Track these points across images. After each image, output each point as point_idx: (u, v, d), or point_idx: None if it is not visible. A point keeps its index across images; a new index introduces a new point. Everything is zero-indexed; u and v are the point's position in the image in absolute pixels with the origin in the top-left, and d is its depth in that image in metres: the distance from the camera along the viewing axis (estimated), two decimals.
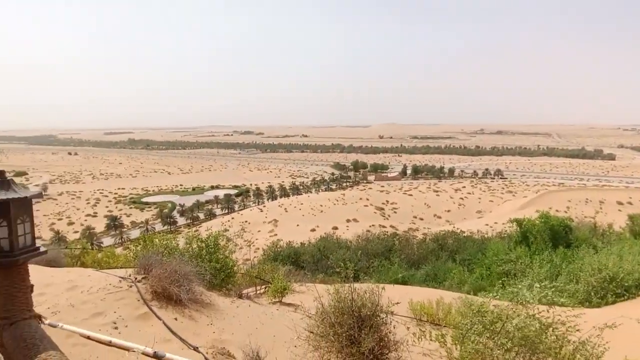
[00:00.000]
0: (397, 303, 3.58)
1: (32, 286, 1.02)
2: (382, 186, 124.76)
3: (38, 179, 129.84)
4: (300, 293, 6.06)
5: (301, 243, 16.95)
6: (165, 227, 77.08)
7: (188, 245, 5.60)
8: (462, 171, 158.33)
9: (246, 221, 74.55)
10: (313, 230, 67.01)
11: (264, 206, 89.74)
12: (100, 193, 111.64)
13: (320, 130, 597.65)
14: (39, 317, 1.53)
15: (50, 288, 3.26)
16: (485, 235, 18.16)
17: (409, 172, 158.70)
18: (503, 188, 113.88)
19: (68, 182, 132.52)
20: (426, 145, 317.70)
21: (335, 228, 67.86)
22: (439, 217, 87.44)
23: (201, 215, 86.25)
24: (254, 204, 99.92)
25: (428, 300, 5.37)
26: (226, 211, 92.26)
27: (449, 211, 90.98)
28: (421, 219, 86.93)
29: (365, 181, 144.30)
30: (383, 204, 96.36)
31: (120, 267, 4.42)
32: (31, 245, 1.04)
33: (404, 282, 11.27)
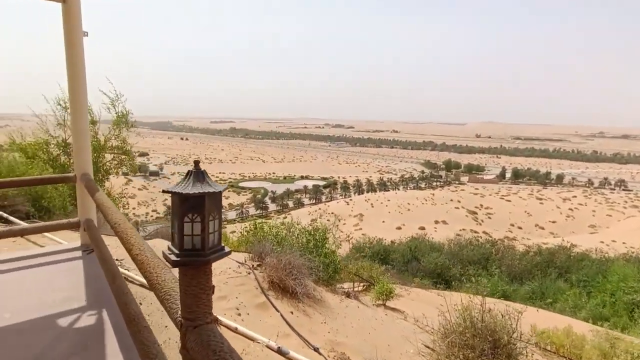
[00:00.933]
0: (541, 332, 3.16)
1: (213, 287, 1.02)
2: (477, 189, 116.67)
3: (156, 160, 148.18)
4: (399, 297, 5.85)
5: (391, 241, 16.58)
6: (258, 211, 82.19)
7: (290, 235, 5.75)
8: (573, 179, 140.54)
9: (332, 213, 75.79)
10: (399, 228, 65.61)
11: (351, 199, 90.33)
12: None
13: (411, 127, 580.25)
14: (216, 321, 1.63)
15: None
16: (606, 255, 15.79)
17: (508, 175, 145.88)
18: (626, 202, 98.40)
19: (179, 164, 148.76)
20: (530, 147, 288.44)
21: (422, 228, 65.52)
22: (542, 228, 79.01)
23: (290, 204, 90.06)
24: (340, 197, 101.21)
25: (554, 327, 4.75)
26: (314, 201, 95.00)
27: (554, 222, 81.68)
28: (520, 228, 79.51)
29: (457, 182, 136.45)
30: (476, 207, 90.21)
31: (232, 250, 4.70)
32: (218, 244, 1.03)
33: (504, 297, 10.34)
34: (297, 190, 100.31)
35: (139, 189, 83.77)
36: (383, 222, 70.47)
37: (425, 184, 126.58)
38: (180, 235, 0.96)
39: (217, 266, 3.72)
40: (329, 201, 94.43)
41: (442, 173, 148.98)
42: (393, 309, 4.45)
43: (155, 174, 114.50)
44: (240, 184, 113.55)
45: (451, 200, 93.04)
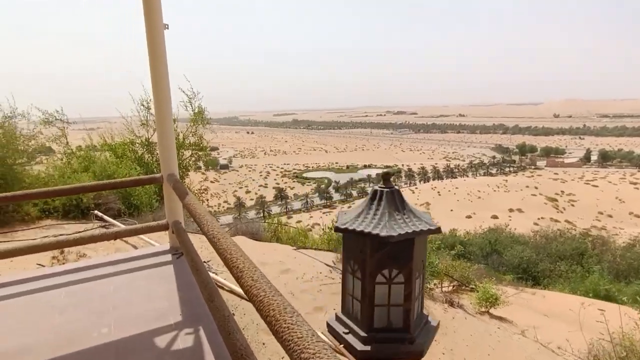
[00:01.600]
0: None
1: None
2: (556, 173, 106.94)
3: (225, 154, 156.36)
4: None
5: (466, 231, 15.62)
6: (322, 201, 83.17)
7: None
8: None
9: None
10: (469, 217, 62.43)
11: (416, 188, 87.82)
12: (270, 167, 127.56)
13: (479, 109, 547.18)
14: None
15: (266, 268, 3.46)
16: None
17: (594, 158, 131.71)
18: None
19: (246, 157, 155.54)
20: (621, 125, 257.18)
21: (495, 217, 61.62)
22: (637, 216, 70.42)
23: (354, 193, 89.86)
24: (405, 185, 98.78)
25: None
26: None
27: None
28: (609, 216, 71.69)
29: (533, 167, 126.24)
30: (557, 194, 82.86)
31: (315, 248, 4.54)
32: (421, 311, 0.75)
33: (607, 298, 9.14)
34: (360, 180, 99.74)
35: (211, 182, 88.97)
36: (451, 210, 67.62)
37: (497, 170, 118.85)
38: (369, 305, 0.59)
39: (305, 270, 3.55)
40: None
41: (516, 157, 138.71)
42: (499, 318, 3.96)
43: (225, 167, 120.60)
44: (304, 174, 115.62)
45: (527, 186, 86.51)
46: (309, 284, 3.23)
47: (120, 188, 4.38)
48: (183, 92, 6.30)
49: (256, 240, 4.32)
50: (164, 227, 2.47)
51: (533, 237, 14.38)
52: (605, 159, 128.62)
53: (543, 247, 12.87)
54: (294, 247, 4.23)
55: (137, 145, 7.10)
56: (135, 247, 3.32)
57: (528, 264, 11.55)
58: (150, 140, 6.99)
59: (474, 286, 4.88)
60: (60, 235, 3.57)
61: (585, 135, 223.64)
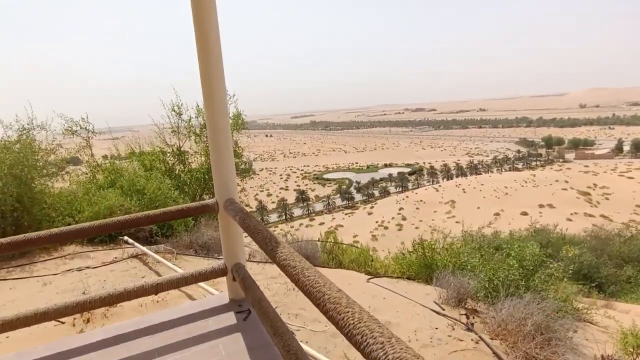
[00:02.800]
0: None
1: None
2: (586, 166, 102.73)
3: (245, 158, 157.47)
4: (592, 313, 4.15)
5: (510, 232, 14.57)
6: (344, 202, 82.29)
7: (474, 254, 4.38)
8: None
9: (421, 200, 72.75)
10: (497, 214, 60.42)
11: (440, 186, 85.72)
12: (290, 169, 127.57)
13: (501, 103, 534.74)
14: None
15: None
16: None
17: (626, 148, 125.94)
18: None
19: (266, 160, 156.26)
20: None
21: (525, 213, 59.44)
22: None
23: (376, 193, 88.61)
24: (428, 183, 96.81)
25: None
26: (400, 189, 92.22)
27: None
28: None
29: (561, 160, 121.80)
30: (589, 187, 79.44)
31: (389, 275, 3.73)
32: None
33: None
34: (381, 179, 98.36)
35: None
36: (478, 208, 65.65)
37: (523, 164, 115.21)
38: None
39: (408, 321, 2.60)
40: (415, 188, 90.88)
41: (542, 151, 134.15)
42: None
43: (245, 171, 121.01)
44: (325, 176, 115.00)
45: (556, 180, 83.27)
46: (430, 352, 2.26)
47: (165, 222, 3.75)
48: None
49: (313, 265, 3.60)
50: (222, 272, 1.80)
51: (586, 237, 13.23)
52: (639, 149, 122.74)
53: (601, 249, 11.77)
54: (368, 277, 3.42)
55: (168, 154, 6.54)
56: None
57: (589, 269, 10.48)
58: (181, 148, 6.41)
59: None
60: (86, 268, 2.95)
61: (615, 125, 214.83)
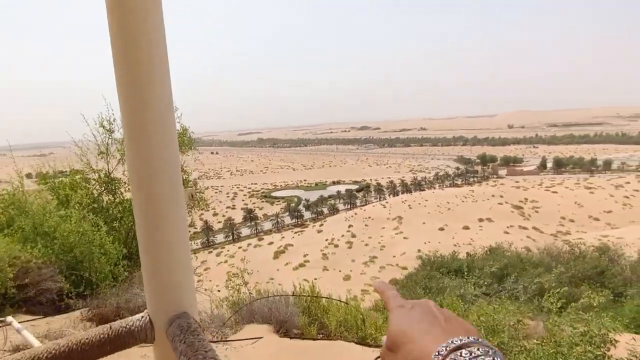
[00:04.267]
0: None
1: None
2: (517, 182, 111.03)
3: (191, 175, 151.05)
4: None
5: (467, 253, 14.50)
6: (293, 220, 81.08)
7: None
8: (622, 163, 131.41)
9: (369, 217, 73.65)
10: (441, 229, 62.59)
11: (387, 202, 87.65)
12: (237, 187, 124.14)
13: (438, 122, 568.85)
14: None
15: None
16: None
17: (549, 165, 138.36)
18: None
19: (212, 178, 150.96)
20: (569, 133, 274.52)
21: (467, 228, 62.28)
22: (596, 219, 73.69)
23: (325, 210, 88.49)
24: (375, 200, 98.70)
25: None
26: (348, 206, 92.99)
27: (609, 212, 76.06)
28: (572, 221, 74.58)
29: (495, 176, 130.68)
30: (521, 201, 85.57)
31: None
32: None
33: None
34: (330, 196, 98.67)
35: None
36: (424, 223, 67.69)
37: (462, 181, 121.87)
38: None
39: None
40: (364, 205, 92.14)
41: (478, 168, 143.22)
42: None
43: (191, 182, 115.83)
44: (273, 194, 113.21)
45: (493, 195, 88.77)
46: None
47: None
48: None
49: (288, 336, 2.64)
50: None
51: (539, 254, 13.44)
52: (560, 166, 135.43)
53: (555, 267, 11.89)
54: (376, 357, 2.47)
55: (93, 182, 5.15)
56: None
57: (549, 291, 10.38)
58: (111, 174, 5.03)
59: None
60: None
61: (539, 144, 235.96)
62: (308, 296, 3.01)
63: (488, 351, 0.38)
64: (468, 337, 0.41)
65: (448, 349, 0.39)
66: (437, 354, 0.40)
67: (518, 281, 10.93)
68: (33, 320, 2.61)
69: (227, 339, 2.66)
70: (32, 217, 3.49)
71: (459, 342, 0.40)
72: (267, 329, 2.69)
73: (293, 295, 3.14)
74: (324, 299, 3.06)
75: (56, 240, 3.22)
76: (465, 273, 12.54)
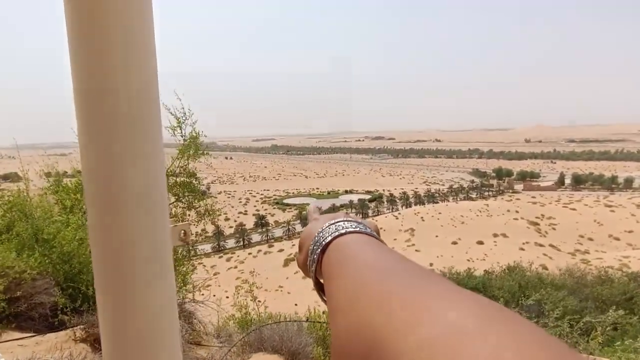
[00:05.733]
0: None
1: None
2: (533, 197, 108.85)
3: (204, 180, 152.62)
4: None
5: (485, 271, 13.98)
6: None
7: None
8: None
9: (381, 228, 70.30)
10: (454, 243, 61.50)
11: (399, 213, 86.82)
12: (250, 193, 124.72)
13: (454, 135, 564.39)
14: None
15: None
16: None
17: (567, 181, 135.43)
18: None
19: (225, 183, 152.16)
20: (589, 149, 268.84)
21: (481, 243, 61.08)
22: (617, 239, 71.49)
23: None
24: (387, 211, 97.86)
25: None
26: (360, 216, 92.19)
27: (630, 232, 73.73)
28: (590, 239, 72.55)
29: (511, 191, 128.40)
30: (537, 217, 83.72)
31: None
32: None
33: None
34: (342, 205, 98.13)
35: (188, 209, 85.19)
36: (436, 236, 66.66)
37: (477, 194, 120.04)
38: None
39: None
40: (376, 215, 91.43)
41: (494, 182, 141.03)
42: None
43: (203, 193, 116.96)
44: (285, 201, 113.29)
45: (508, 210, 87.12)
46: None
47: None
48: (170, 111, 4.00)
49: None
50: None
51: (561, 276, 12.82)
52: (578, 182, 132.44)
53: (580, 291, 11.29)
54: None
55: None
56: None
57: (572, 314, 9.81)
58: None
59: None
60: None
61: (557, 160, 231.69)
62: (325, 323, 2.72)
63: (357, 224, 0.49)
64: (344, 217, 0.52)
65: (326, 224, 0.49)
66: (320, 230, 0.49)
67: (541, 305, 10.37)
68: (22, 338, 2.38)
69: None
70: (33, 223, 3.28)
71: (333, 221, 0.50)
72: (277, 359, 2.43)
73: (307, 321, 2.84)
74: None
75: (55, 249, 2.99)
76: (481, 291, 12.01)
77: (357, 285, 0.34)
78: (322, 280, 0.46)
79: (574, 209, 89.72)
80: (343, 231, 0.46)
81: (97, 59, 0.57)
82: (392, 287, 0.30)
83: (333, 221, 0.50)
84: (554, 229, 77.35)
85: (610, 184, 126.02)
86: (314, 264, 0.48)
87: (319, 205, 0.68)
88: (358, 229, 0.47)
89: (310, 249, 0.49)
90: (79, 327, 2.60)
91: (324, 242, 0.47)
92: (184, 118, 3.88)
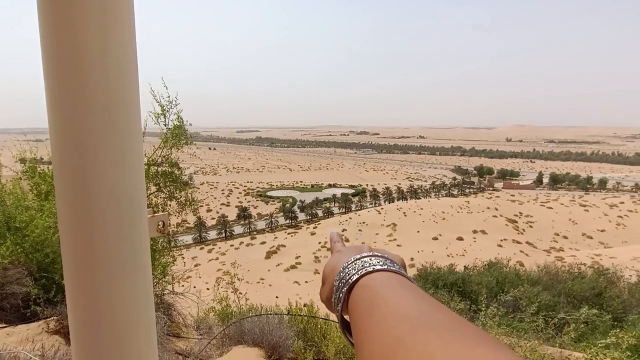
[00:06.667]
0: None
1: None
2: (512, 195, 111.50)
3: (186, 170, 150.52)
4: None
5: (465, 267, 14.25)
6: (287, 221, 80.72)
7: None
8: (618, 183, 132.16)
9: (364, 222, 73.45)
10: (435, 238, 62.48)
11: (382, 208, 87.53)
12: (233, 185, 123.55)
13: (438, 132, 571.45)
14: None
15: None
16: None
17: (545, 180, 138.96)
18: None
19: (208, 174, 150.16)
20: (566, 150, 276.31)
21: (460, 239, 62.24)
22: (589, 237, 73.95)
23: (319, 213, 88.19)
24: (370, 205, 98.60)
25: None
26: (343, 210, 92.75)
27: (602, 231, 76.39)
28: (565, 237, 74.84)
29: (491, 188, 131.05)
30: (515, 215, 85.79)
31: None
32: None
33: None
34: (325, 199, 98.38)
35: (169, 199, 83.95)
36: (418, 232, 67.59)
37: (458, 191, 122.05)
38: None
39: None
40: (359, 210, 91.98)
41: (475, 179, 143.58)
42: None
43: (184, 183, 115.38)
44: (268, 193, 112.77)
45: (488, 208, 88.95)
46: None
47: None
48: (155, 98, 3.72)
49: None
50: None
51: (538, 272, 13.18)
52: (556, 182, 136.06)
53: (553, 287, 11.65)
54: None
55: None
56: None
57: (547, 311, 10.13)
58: None
59: None
60: None
61: (536, 159, 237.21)
62: (305, 316, 2.71)
63: (384, 260, 0.47)
64: (370, 252, 0.50)
65: (352, 259, 0.47)
66: (345, 265, 0.48)
67: (517, 301, 10.66)
68: None
69: None
70: (4, 210, 3.15)
71: (359, 255, 0.48)
72: (258, 353, 2.37)
73: (288, 314, 2.82)
74: (321, 319, 2.75)
75: (27, 237, 2.88)
76: (460, 286, 12.29)
77: (393, 340, 0.32)
78: (347, 318, 0.45)
79: (550, 208, 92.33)
80: (370, 269, 0.45)
81: (71, 45, 0.54)
82: (432, 349, 0.29)
83: (359, 256, 0.48)
84: (531, 226, 79.43)
85: (585, 185, 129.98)
86: (340, 302, 0.46)
87: (341, 231, 0.62)
88: (386, 266, 0.45)
89: (336, 286, 0.47)
90: (52, 318, 2.52)
91: (350, 280, 0.45)
92: (168, 106, 3.77)
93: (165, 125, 3.87)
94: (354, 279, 0.44)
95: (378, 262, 0.45)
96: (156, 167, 4.11)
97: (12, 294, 2.59)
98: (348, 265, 0.47)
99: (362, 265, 0.45)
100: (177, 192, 4.27)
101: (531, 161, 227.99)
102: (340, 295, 0.45)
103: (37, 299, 2.65)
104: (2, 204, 3.23)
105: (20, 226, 3.01)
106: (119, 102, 0.58)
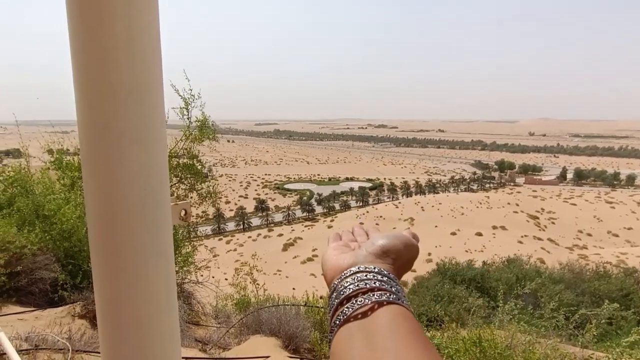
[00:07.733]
0: None
1: None
2: (534, 191, 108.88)
3: (206, 163, 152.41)
4: None
5: (483, 262, 14.06)
6: (304, 214, 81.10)
7: None
8: None
9: (381, 216, 73.11)
10: (453, 233, 61.69)
11: (399, 202, 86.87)
12: (251, 177, 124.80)
13: (458, 125, 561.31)
14: None
15: None
16: None
17: (569, 176, 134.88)
18: None
19: (227, 166, 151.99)
20: (592, 145, 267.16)
21: (480, 234, 61.25)
22: (615, 235, 71.65)
23: (337, 206, 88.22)
24: (388, 199, 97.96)
25: None
26: (360, 204, 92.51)
27: (630, 229, 73.88)
28: (589, 235, 72.69)
29: (512, 184, 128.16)
30: (537, 212, 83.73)
31: None
32: None
33: None
34: (342, 192, 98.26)
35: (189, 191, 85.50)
36: (436, 226, 66.83)
37: (478, 186, 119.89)
38: None
39: None
40: (376, 204, 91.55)
41: (496, 174, 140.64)
42: None
43: (205, 176, 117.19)
44: (286, 186, 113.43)
45: (508, 203, 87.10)
46: None
47: None
48: (178, 93, 3.81)
49: (298, 354, 2.35)
50: None
51: (560, 270, 12.87)
52: (581, 177, 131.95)
53: (577, 285, 11.37)
54: None
55: None
56: None
57: (568, 309, 9.88)
58: None
59: None
60: None
61: (560, 154, 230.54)
62: (322, 308, 2.73)
63: (379, 279, 0.43)
64: (374, 268, 0.45)
65: (349, 273, 0.45)
66: (339, 279, 0.45)
67: (537, 296, 10.44)
68: (22, 312, 2.40)
69: (229, 358, 2.39)
70: (33, 199, 3.28)
71: (357, 268, 0.45)
72: (275, 343, 2.41)
73: (305, 305, 2.85)
74: None
75: (55, 225, 3.00)
76: (479, 282, 12.13)
77: None
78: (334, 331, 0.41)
79: (574, 204, 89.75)
80: (365, 287, 0.41)
81: (98, 38, 0.56)
82: None
83: (355, 269, 0.45)
84: (553, 223, 77.46)
85: (612, 181, 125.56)
86: (331, 311, 0.44)
87: (337, 234, 0.61)
88: (385, 297, 0.40)
89: (329, 304, 0.45)
90: (78, 303, 2.62)
91: (340, 318, 0.41)
92: (191, 100, 3.81)
93: (188, 118, 3.93)
94: (347, 315, 0.40)
95: (375, 284, 0.42)
96: (177, 159, 4.18)
97: (41, 279, 2.70)
98: (342, 278, 0.45)
99: (358, 285, 0.42)
100: (198, 184, 4.33)
101: (555, 156, 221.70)
102: (332, 305, 0.44)
103: (64, 284, 2.76)
104: (31, 193, 3.36)
105: (49, 214, 3.13)
106: (143, 87, 0.59)
